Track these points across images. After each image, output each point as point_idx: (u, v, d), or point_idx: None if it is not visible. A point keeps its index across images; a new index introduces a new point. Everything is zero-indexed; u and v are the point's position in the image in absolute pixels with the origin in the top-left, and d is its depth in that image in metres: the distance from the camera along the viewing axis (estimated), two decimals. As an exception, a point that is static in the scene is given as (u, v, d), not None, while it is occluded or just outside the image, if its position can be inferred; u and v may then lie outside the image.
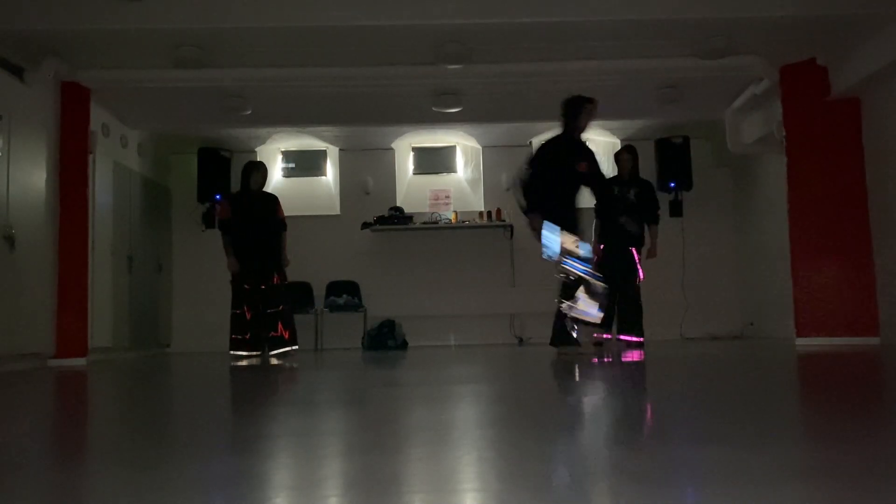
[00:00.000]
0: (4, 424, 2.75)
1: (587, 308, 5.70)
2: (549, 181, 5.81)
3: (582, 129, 6.01)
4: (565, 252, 5.66)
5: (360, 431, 2.26)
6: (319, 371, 5.44)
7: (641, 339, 7.04)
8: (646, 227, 7.18)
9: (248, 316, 7.03)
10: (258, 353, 7.07)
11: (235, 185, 9.44)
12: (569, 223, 5.75)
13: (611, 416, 2.51)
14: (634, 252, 7.09)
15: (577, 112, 5.97)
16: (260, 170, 7.40)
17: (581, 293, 5.67)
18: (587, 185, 6.02)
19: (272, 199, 7.36)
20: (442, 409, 2.87)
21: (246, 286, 7.05)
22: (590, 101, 6.01)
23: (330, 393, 3.69)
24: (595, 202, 7.02)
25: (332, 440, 2.13)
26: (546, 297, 9.51)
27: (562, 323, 5.84)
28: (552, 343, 5.97)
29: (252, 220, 7.12)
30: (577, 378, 4.09)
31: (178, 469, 1.68)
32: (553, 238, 5.67)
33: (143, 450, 1.99)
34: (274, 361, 6.46)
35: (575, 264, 5.69)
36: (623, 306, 7.02)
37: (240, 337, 7.04)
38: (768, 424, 2.18)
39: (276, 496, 1.38)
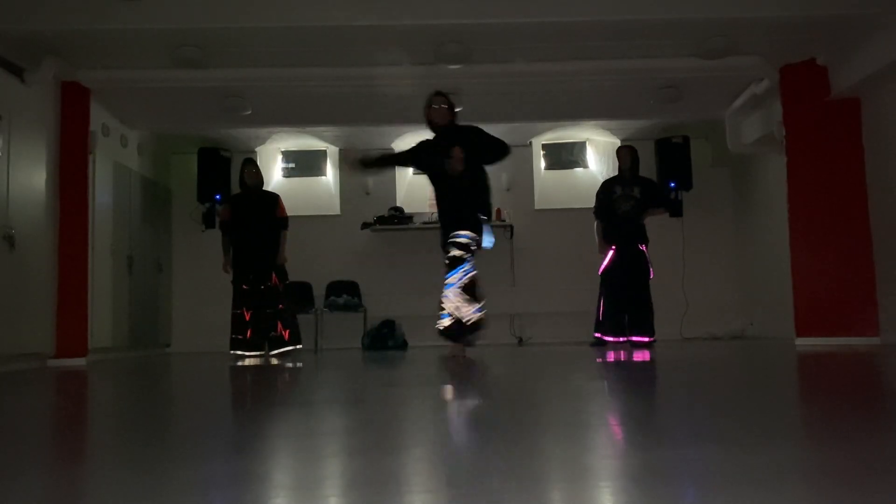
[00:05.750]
0: (4, 425, 2.75)
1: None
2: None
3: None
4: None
5: (359, 431, 2.26)
6: (319, 371, 5.44)
7: (653, 339, 7.05)
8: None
9: (246, 316, 7.05)
10: (258, 353, 7.07)
11: (235, 185, 9.46)
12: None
13: (611, 415, 2.51)
14: (644, 249, 7.13)
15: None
16: (250, 165, 7.43)
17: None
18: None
19: (272, 198, 7.37)
20: (442, 408, 2.87)
21: (244, 286, 7.08)
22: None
23: (329, 393, 3.69)
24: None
25: (331, 440, 2.13)
26: (546, 297, 9.60)
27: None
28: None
29: (249, 221, 7.13)
30: (578, 378, 4.10)
31: (177, 469, 1.68)
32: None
33: (142, 450, 1.99)
34: (274, 361, 6.46)
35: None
36: (635, 307, 7.03)
37: (239, 337, 7.07)
38: (768, 424, 2.18)
39: (276, 496, 1.38)
